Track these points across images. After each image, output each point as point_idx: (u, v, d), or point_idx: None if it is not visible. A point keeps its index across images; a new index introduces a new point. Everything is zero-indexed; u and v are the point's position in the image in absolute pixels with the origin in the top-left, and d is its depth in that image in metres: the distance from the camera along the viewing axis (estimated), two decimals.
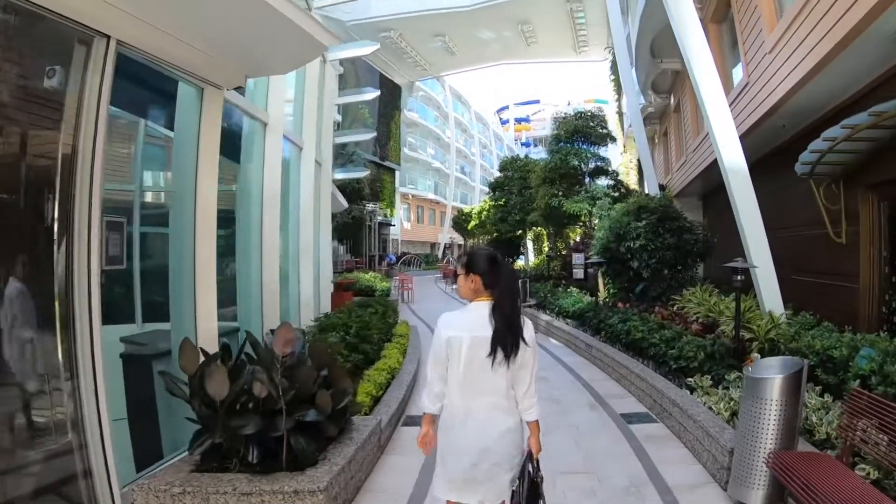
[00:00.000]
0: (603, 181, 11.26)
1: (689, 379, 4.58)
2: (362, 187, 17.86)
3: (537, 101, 65.65)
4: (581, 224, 11.63)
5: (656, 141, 16.19)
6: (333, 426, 3.29)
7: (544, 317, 9.76)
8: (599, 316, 7.29)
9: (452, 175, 42.05)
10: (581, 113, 11.17)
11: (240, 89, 5.53)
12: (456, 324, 1.96)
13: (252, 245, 5.22)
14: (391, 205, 30.91)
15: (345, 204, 12.31)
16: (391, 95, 29.95)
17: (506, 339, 1.88)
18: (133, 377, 3.87)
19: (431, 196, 39.28)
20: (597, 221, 10.64)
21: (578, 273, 10.89)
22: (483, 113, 53.72)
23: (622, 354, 6.03)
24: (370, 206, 22.47)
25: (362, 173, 16.15)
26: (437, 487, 2.11)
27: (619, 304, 7.99)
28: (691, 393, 4.54)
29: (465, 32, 25.37)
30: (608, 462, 3.78)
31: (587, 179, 11.10)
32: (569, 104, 12.59)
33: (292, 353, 3.13)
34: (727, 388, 4.42)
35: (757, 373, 3.15)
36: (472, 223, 21.86)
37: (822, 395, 3.83)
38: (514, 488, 1.99)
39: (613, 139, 11.78)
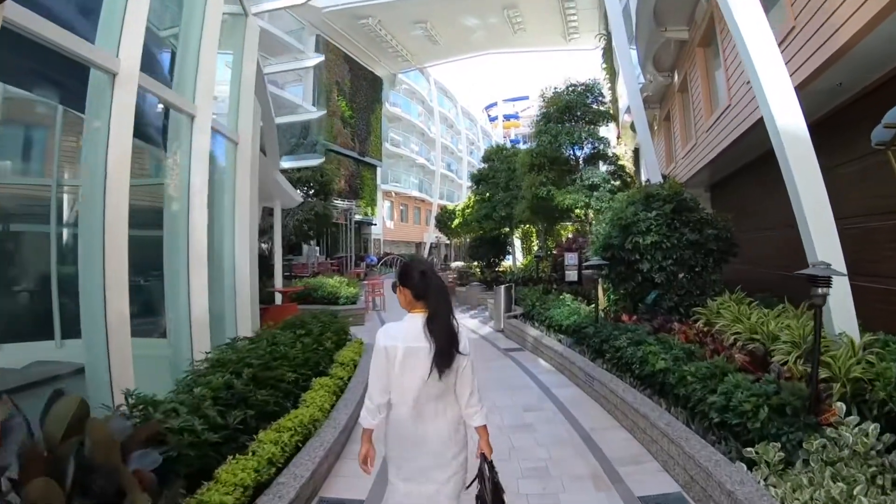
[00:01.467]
0: (601, 168, 9.50)
1: (750, 450, 2.97)
2: (329, 180, 15.75)
3: (526, 98, 63.95)
4: (575, 219, 9.94)
5: (656, 128, 14.64)
6: None
7: (532, 331, 8.06)
8: (602, 334, 5.64)
9: (438, 172, 40.38)
10: (574, 86, 9.44)
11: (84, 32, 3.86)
12: (393, 333, 2.02)
13: (94, 244, 3.54)
14: (372, 203, 29.09)
15: (297, 199, 10.52)
16: (371, 88, 28.30)
17: (448, 352, 1.95)
18: None
19: (416, 194, 37.48)
20: (592, 214, 9.01)
21: (571, 275, 9.28)
22: (470, 109, 52.19)
23: (637, 394, 4.35)
24: (343, 204, 20.44)
25: (316, 160, 14.24)
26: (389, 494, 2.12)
27: (624, 317, 6.36)
28: (750, 469, 2.95)
29: (448, 19, 24.00)
30: None
31: (582, 166, 9.37)
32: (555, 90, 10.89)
33: None
34: (807, 464, 2.84)
35: None
36: (456, 221, 20.03)
37: None
38: (466, 487, 2.07)
39: (612, 117, 10.16)
